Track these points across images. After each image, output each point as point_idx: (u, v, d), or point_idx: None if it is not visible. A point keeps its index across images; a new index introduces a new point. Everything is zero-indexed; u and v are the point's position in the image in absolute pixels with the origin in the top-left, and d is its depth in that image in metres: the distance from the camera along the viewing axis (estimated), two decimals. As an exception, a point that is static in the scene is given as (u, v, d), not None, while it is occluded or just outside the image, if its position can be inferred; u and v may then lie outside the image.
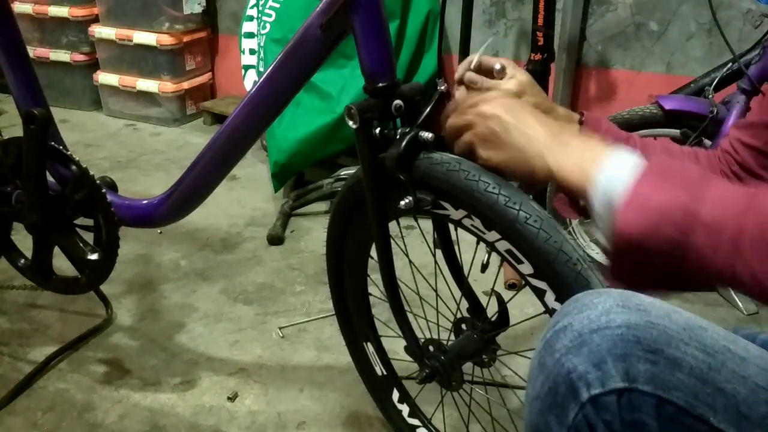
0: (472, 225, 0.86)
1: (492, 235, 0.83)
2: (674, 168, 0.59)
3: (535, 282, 0.81)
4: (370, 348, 1.21)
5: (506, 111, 0.75)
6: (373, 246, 1.03)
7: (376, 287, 1.13)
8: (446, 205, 0.87)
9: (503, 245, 0.83)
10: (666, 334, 0.54)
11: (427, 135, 0.86)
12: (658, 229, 0.56)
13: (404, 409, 1.23)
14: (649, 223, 0.56)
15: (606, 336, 0.54)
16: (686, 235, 0.55)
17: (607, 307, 0.56)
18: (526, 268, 0.82)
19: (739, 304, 1.71)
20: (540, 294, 0.81)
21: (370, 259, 1.12)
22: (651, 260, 0.58)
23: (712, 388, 0.53)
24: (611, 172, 0.61)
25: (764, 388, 0.54)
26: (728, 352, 0.55)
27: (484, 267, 1.05)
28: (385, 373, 1.23)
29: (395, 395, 1.24)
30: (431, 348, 1.02)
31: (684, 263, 0.56)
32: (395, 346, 1.34)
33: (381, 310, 1.26)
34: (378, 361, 1.22)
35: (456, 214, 0.87)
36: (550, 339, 0.58)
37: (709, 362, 0.54)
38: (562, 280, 0.76)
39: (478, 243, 0.90)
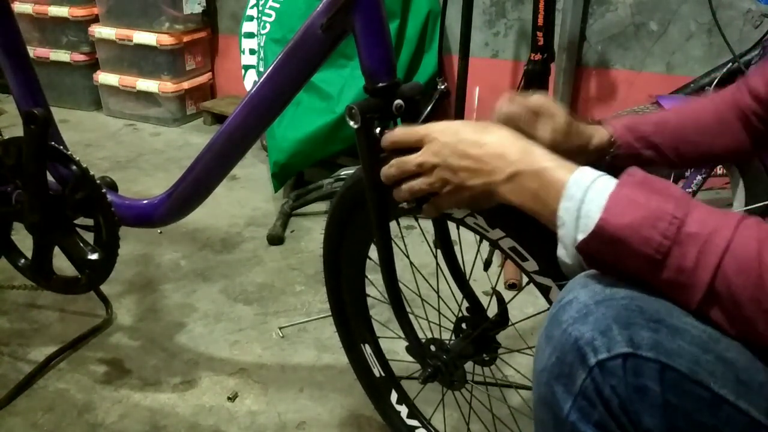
0: (475, 223, 0.86)
1: (495, 233, 0.83)
2: (657, 181, 0.60)
3: (539, 279, 0.81)
4: (367, 350, 1.21)
5: (446, 153, 0.71)
6: (372, 247, 1.03)
7: (374, 288, 1.13)
8: None
9: (507, 243, 0.83)
10: (667, 306, 0.57)
11: None
12: (643, 228, 0.56)
13: (403, 410, 1.23)
14: (635, 218, 0.57)
15: (611, 306, 0.57)
16: (670, 242, 0.55)
17: (611, 282, 0.59)
18: (531, 265, 0.81)
19: None
20: (545, 291, 0.82)
21: (368, 260, 1.11)
22: (625, 261, 0.58)
23: (713, 355, 0.55)
24: (581, 181, 0.62)
25: (760, 359, 0.56)
26: None
27: (487, 264, 1.05)
28: (383, 374, 1.22)
29: (393, 396, 1.23)
30: (433, 347, 1.02)
31: (658, 273, 0.57)
32: (393, 346, 1.34)
33: (379, 311, 1.26)
34: (376, 362, 1.21)
35: (458, 212, 0.87)
36: (556, 313, 0.60)
37: (708, 332, 0.56)
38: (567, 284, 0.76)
39: (480, 242, 0.90)
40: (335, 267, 1.14)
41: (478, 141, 0.70)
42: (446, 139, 0.72)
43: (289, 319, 1.63)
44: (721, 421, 0.56)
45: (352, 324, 1.20)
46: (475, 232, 0.87)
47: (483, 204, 0.73)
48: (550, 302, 0.82)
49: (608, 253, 0.59)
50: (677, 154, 0.87)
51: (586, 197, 0.60)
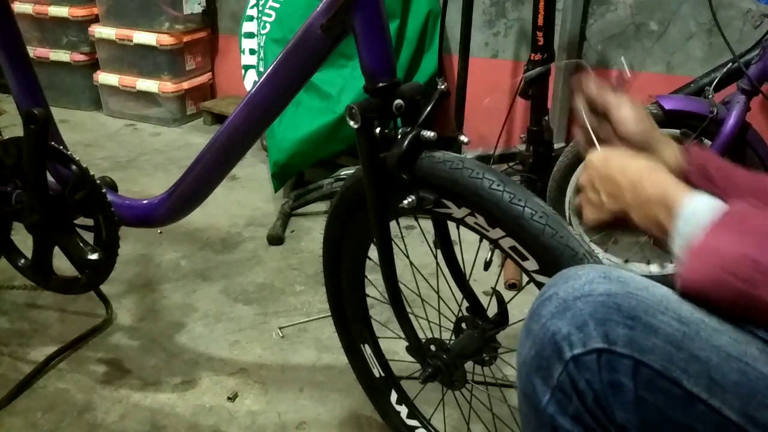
0: (475, 223, 0.86)
1: (496, 233, 0.83)
2: (752, 218, 0.61)
3: (540, 278, 0.81)
4: (367, 350, 1.21)
5: (603, 178, 0.75)
6: (372, 247, 1.03)
7: (374, 288, 1.12)
8: (449, 203, 0.87)
9: (507, 242, 0.82)
10: (644, 303, 0.58)
11: (429, 134, 0.86)
12: (722, 281, 0.58)
13: (402, 410, 1.23)
14: (714, 275, 0.59)
15: (588, 302, 0.58)
16: (753, 287, 0.57)
17: (591, 278, 0.60)
18: (531, 264, 0.81)
19: None
20: None
21: (367, 260, 1.11)
22: (719, 306, 0.60)
23: (686, 354, 0.56)
24: (688, 216, 0.63)
25: (736, 357, 0.57)
26: (702, 324, 0.58)
27: (487, 264, 1.06)
28: (382, 374, 1.22)
29: (393, 397, 1.23)
30: (433, 347, 1.02)
31: (753, 312, 0.58)
32: (394, 346, 1.34)
33: (379, 311, 1.26)
34: (375, 362, 1.21)
35: (459, 212, 0.87)
36: (536, 308, 0.62)
37: (683, 330, 0.57)
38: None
39: (480, 241, 0.90)
40: (335, 267, 1.14)
41: (621, 169, 0.73)
42: (599, 169, 0.76)
43: (289, 319, 1.63)
44: (694, 419, 0.57)
45: (352, 324, 1.20)
46: (476, 231, 0.87)
47: (626, 220, 0.75)
48: None
49: (702, 299, 0.61)
50: None
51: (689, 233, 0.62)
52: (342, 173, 2.13)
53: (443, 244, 1.05)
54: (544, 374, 0.59)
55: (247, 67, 2.29)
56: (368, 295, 1.18)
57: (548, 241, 0.77)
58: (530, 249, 0.80)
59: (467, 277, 1.05)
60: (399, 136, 0.88)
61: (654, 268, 1.77)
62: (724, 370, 0.56)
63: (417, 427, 1.22)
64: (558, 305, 0.59)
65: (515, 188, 0.80)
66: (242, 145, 1.05)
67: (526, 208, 0.79)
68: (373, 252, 1.03)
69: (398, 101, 0.87)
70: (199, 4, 2.88)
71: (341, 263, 1.13)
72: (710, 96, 1.58)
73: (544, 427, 0.61)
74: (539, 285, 0.82)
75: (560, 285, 0.61)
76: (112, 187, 1.27)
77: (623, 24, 2.18)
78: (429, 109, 0.88)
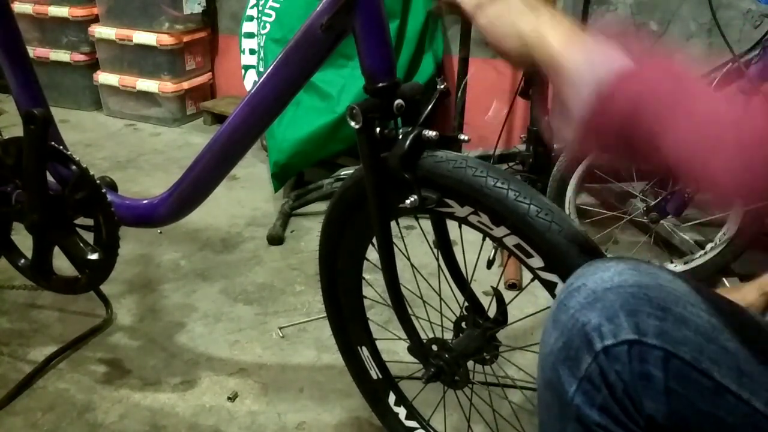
0: (478, 221, 0.85)
1: (500, 231, 0.83)
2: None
3: (545, 275, 0.81)
4: (364, 352, 1.20)
5: None
6: (369, 248, 1.03)
7: (372, 289, 1.12)
8: (451, 202, 0.87)
9: (511, 240, 0.82)
10: (674, 295, 0.58)
11: (431, 133, 0.86)
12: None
13: (401, 411, 1.23)
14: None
15: (619, 293, 0.58)
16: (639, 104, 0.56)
17: (620, 269, 0.60)
18: (537, 261, 0.81)
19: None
20: (551, 287, 0.81)
21: (365, 261, 1.11)
22: (610, 124, 0.57)
23: (717, 345, 0.57)
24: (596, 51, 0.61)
25: (762, 351, 0.58)
26: (730, 317, 0.59)
27: (491, 262, 1.05)
28: (380, 376, 1.22)
29: (391, 398, 1.23)
30: (434, 347, 1.02)
31: (634, 135, 0.56)
32: (393, 346, 1.34)
33: (377, 312, 1.25)
34: (373, 364, 1.21)
35: (461, 211, 0.86)
36: (564, 298, 0.61)
37: (713, 322, 0.58)
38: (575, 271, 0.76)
39: (483, 241, 0.90)
40: (332, 268, 1.14)
41: None
42: None
43: (289, 319, 1.63)
44: (723, 410, 0.57)
45: (349, 326, 1.19)
46: (479, 230, 0.87)
47: (506, 39, 0.69)
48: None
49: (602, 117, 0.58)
50: None
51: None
52: (342, 173, 2.13)
53: (442, 245, 1.05)
54: (571, 365, 0.59)
55: (247, 67, 2.30)
56: (366, 297, 1.17)
57: (555, 238, 0.77)
58: (536, 246, 0.80)
59: (468, 278, 1.05)
60: (400, 136, 0.88)
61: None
62: (753, 362, 0.57)
63: (416, 428, 1.22)
64: (587, 296, 0.59)
65: (520, 186, 0.80)
66: (242, 145, 1.05)
67: (531, 206, 0.79)
68: (370, 253, 1.03)
69: (399, 101, 0.87)
70: (199, 4, 2.88)
71: (338, 264, 1.13)
72: (710, 96, 1.57)
73: (569, 417, 0.60)
74: (544, 282, 0.82)
75: (588, 276, 0.61)
76: (112, 187, 1.27)
77: (623, 24, 2.18)
78: (429, 109, 0.88)
